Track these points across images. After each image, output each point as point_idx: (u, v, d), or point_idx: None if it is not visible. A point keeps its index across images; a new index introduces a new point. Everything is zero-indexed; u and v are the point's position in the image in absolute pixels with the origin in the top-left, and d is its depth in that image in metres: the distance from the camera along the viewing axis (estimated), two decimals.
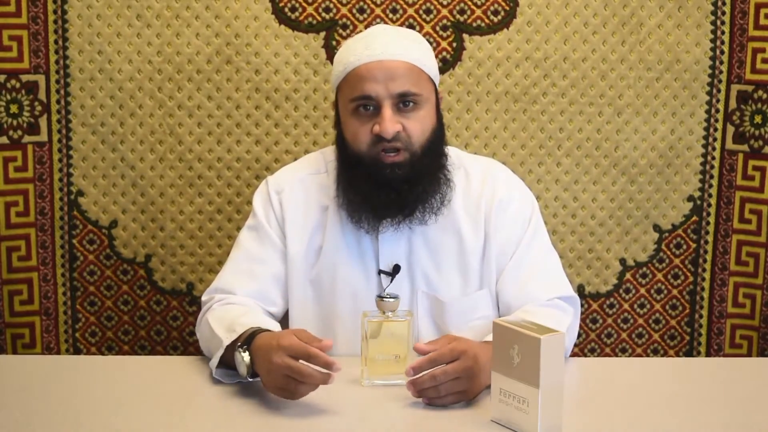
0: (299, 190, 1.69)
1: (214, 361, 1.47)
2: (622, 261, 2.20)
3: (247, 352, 1.39)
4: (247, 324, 1.47)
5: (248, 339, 1.41)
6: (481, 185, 1.68)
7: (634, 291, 2.21)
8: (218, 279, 1.68)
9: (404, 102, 1.56)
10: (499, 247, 1.65)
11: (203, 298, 1.68)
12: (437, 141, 1.62)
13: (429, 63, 1.62)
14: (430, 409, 1.36)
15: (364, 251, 1.64)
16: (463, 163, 1.71)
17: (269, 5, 2.06)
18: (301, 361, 1.32)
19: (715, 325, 2.22)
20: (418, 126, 1.57)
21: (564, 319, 1.61)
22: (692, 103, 2.15)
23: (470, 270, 1.64)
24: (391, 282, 1.59)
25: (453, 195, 1.65)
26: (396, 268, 1.62)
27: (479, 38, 2.09)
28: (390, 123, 1.54)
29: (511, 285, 1.64)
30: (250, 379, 1.41)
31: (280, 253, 1.66)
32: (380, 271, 1.63)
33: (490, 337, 1.41)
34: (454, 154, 1.71)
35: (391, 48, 1.57)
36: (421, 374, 1.35)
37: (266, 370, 1.35)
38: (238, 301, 1.62)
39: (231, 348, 1.45)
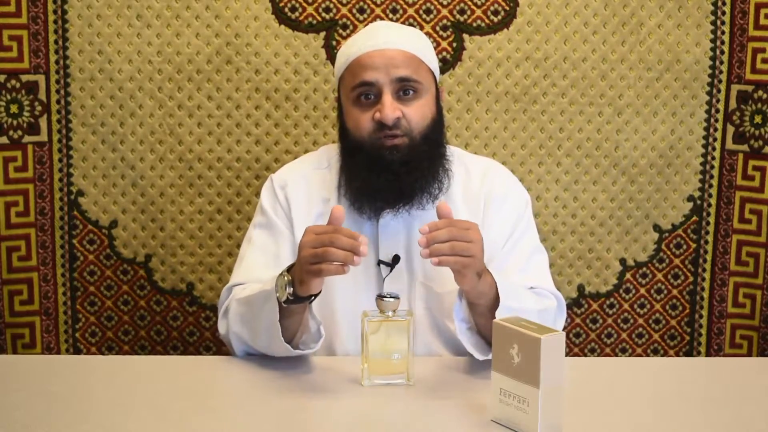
0: (302, 184, 1.72)
1: (273, 312, 1.47)
2: (622, 261, 2.20)
3: (287, 274, 1.46)
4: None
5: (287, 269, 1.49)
6: (481, 181, 1.72)
7: (634, 291, 2.21)
8: (234, 276, 1.68)
9: (404, 90, 1.59)
10: (491, 239, 1.66)
11: (222, 296, 1.67)
12: (437, 130, 1.65)
13: (429, 55, 1.66)
14: (430, 408, 1.36)
15: None
16: (463, 161, 1.75)
17: (269, 5, 2.06)
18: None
19: (715, 325, 2.22)
20: (417, 113, 1.60)
21: (545, 303, 1.62)
22: (692, 103, 2.15)
23: None
24: (390, 272, 1.59)
25: (452, 186, 1.67)
26: (396, 259, 1.63)
27: (479, 38, 2.09)
28: (390, 109, 1.57)
29: (495, 276, 1.64)
30: (292, 298, 1.45)
31: (292, 245, 1.67)
32: (380, 262, 1.63)
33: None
34: (454, 152, 1.74)
35: (392, 38, 1.61)
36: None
37: (297, 257, 1.43)
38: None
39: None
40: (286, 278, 1.46)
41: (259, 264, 1.66)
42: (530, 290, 1.64)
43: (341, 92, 1.67)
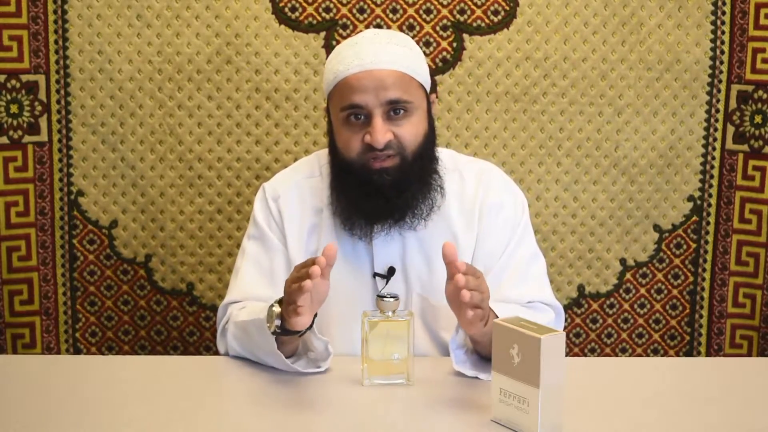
0: (295, 194, 1.70)
1: (270, 341, 1.47)
2: (622, 261, 2.20)
3: (278, 305, 1.45)
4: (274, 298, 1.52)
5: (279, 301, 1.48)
6: (475, 188, 1.68)
7: (634, 291, 2.22)
8: (230, 292, 1.68)
9: (395, 110, 1.56)
10: (488, 249, 1.65)
11: (219, 313, 1.68)
12: (428, 146, 1.62)
13: (419, 69, 1.61)
14: (430, 408, 1.36)
15: (358, 254, 1.64)
16: (458, 166, 1.71)
17: (269, 5, 2.06)
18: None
19: (715, 325, 2.22)
20: (409, 133, 1.57)
21: (542, 318, 1.60)
22: (692, 103, 2.15)
23: None
24: (386, 284, 1.59)
25: (446, 199, 1.65)
26: (391, 271, 1.62)
27: (479, 38, 2.09)
28: (380, 133, 1.54)
29: (493, 287, 1.63)
30: (279, 331, 1.45)
31: (286, 258, 1.66)
32: (375, 274, 1.63)
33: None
34: (449, 156, 1.71)
35: (381, 56, 1.56)
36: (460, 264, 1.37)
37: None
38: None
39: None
40: (275, 311, 1.45)
41: (254, 280, 1.66)
42: (527, 306, 1.62)
43: (330, 107, 1.64)
